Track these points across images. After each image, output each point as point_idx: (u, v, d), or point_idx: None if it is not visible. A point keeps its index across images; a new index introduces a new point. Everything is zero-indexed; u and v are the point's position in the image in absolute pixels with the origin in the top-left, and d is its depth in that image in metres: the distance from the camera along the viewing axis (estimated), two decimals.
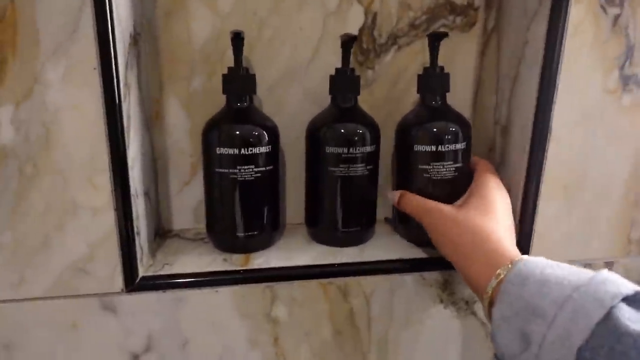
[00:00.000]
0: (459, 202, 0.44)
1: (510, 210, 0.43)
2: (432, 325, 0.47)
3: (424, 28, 0.50)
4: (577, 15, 0.40)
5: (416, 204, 0.45)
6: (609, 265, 0.49)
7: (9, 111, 0.34)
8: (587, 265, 0.48)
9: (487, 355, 0.49)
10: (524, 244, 0.46)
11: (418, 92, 0.48)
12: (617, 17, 0.41)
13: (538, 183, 0.44)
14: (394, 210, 0.51)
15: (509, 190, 0.45)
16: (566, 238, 0.47)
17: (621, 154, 0.45)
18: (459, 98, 0.52)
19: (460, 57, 0.51)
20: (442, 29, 0.50)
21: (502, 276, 0.34)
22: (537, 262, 0.33)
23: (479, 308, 0.47)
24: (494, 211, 0.41)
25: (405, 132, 0.47)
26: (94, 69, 0.35)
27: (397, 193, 0.47)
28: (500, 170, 0.49)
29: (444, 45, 0.47)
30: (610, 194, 0.46)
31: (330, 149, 0.44)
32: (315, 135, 0.45)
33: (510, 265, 0.34)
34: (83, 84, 0.35)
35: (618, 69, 0.42)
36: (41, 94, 0.35)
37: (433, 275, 0.45)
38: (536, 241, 0.45)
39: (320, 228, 0.48)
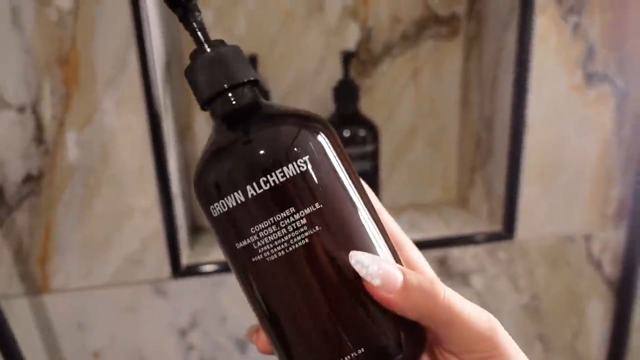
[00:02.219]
0: None
1: None
2: None
3: (413, 38, 0.57)
4: (541, 24, 0.47)
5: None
6: (588, 238, 0.56)
7: (74, 135, 0.43)
8: (569, 237, 0.55)
9: None
10: (510, 221, 0.53)
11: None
12: (576, 24, 0.47)
13: (518, 169, 0.51)
14: None
15: (494, 179, 0.53)
16: (548, 215, 0.54)
17: (590, 141, 0.52)
18: (449, 98, 0.60)
19: (447, 62, 0.58)
20: (429, 39, 0.57)
21: None
22: None
23: (474, 280, 0.54)
24: None
25: None
26: (140, 97, 0.43)
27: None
28: (487, 159, 0.56)
29: (434, 52, 0.54)
30: (583, 175, 0.53)
31: None
32: None
33: None
34: (132, 109, 0.43)
35: (581, 68, 0.49)
36: (99, 120, 0.43)
37: (431, 253, 0.52)
38: (521, 219, 0.52)
39: None
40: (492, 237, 0.54)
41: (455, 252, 0.53)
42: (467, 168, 0.60)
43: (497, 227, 0.55)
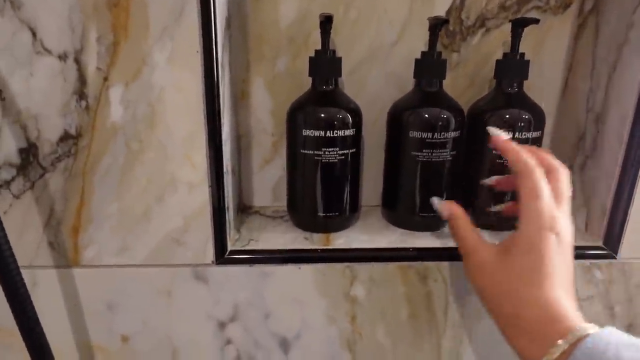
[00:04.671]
0: (507, 239, 0.35)
1: (571, 253, 0.34)
2: None
3: (514, 10, 0.48)
4: None
5: (460, 235, 0.38)
6: None
7: (119, 91, 0.37)
8: None
9: None
10: (613, 237, 0.44)
11: (494, 77, 0.46)
12: None
13: (635, 176, 0.42)
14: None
15: (598, 184, 0.44)
16: None
17: None
18: (547, 83, 0.50)
19: (551, 40, 0.49)
20: (534, 11, 0.48)
21: (556, 353, 0.27)
22: (609, 339, 0.26)
23: None
24: (546, 256, 0.32)
25: (478, 118, 0.46)
26: (197, 52, 0.36)
27: (446, 208, 0.41)
28: (590, 161, 0.47)
29: (534, 28, 0.45)
30: None
31: (413, 134, 0.44)
32: (398, 119, 0.45)
33: (571, 338, 0.28)
34: (186, 66, 0.37)
35: None
36: (148, 75, 0.37)
37: None
38: (628, 235, 0.43)
39: (398, 212, 0.48)
40: (589, 254, 0.45)
41: None
42: None
43: (596, 241, 0.46)
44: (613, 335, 0.27)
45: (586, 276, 0.45)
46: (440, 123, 0.44)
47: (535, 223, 0.33)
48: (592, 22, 0.46)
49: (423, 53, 0.45)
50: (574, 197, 0.46)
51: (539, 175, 0.34)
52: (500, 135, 0.39)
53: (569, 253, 0.34)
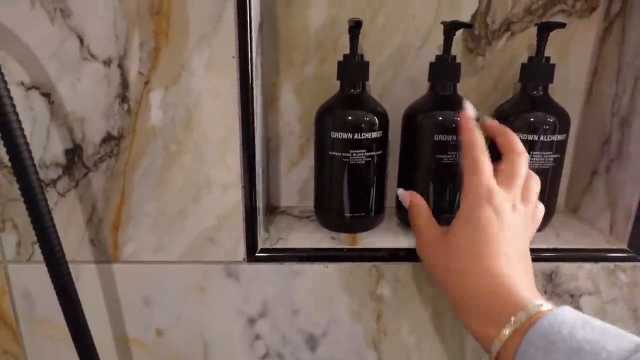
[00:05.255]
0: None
1: (519, 236, 0.34)
2: None
3: (540, 14, 0.48)
4: None
5: (413, 218, 0.42)
6: None
7: (159, 95, 0.39)
8: None
9: None
10: (639, 243, 0.44)
11: (520, 81, 0.47)
12: None
13: None
14: None
15: (623, 187, 0.44)
16: None
17: None
18: (572, 87, 0.51)
19: (576, 44, 0.49)
20: (559, 15, 0.48)
21: (508, 332, 0.26)
22: (564, 317, 0.26)
23: (585, 302, 0.46)
24: (485, 227, 0.32)
25: (503, 121, 0.46)
26: (233, 57, 0.38)
27: (407, 196, 0.44)
28: (616, 165, 0.47)
29: (559, 32, 0.45)
30: None
31: (426, 136, 0.45)
32: (412, 121, 0.46)
33: (524, 315, 0.26)
34: (222, 71, 0.38)
35: None
36: (187, 80, 0.38)
37: (539, 266, 0.45)
38: None
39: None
40: (613, 256, 0.45)
41: (566, 268, 0.45)
42: (586, 171, 0.52)
43: (621, 244, 0.46)
44: (567, 314, 0.26)
45: (610, 279, 0.46)
46: (453, 125, 0.44)
47: (471, 196, 0.34)
48: (619, 26, 0.47)
49: (437, 57, 0.46)
50: (595, 199, 0.46)
51: (480, 152, 0.36)
52: (467, 112, 0.39)
53: (513, 232, 0.33)
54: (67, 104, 0.38)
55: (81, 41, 0.37)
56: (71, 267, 0.41)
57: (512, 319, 0.27)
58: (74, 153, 0.39)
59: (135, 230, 0.42)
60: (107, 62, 0.37)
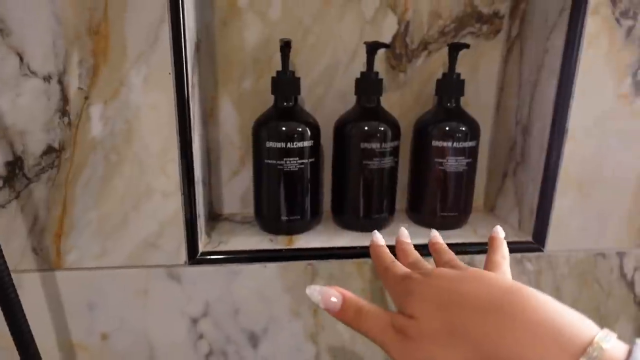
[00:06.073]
0: None
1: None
2: None
3: (452, 35, 0.55)
4: (593, 27, 0.44)
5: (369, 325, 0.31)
6: (622, 255, 0.53)
7: (99, 109, 0.41)
8: (601, 253, 0.52)
9: None
10: (541, 232, 0.51)
11: (436, 94, 0.53)
12: (630, 28, 0.45)
13: (555, 179, 0.48)
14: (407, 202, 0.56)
15: (527, 187, 0.50)
16: (580, 230, 0.51)
17: (633, 154, 0.49)
18: (483, 100, 0.57)
19: (485, 62, 0.56)
20: (468, 37, 0.55)
21: None
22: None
23: None
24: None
25: (422, 130, 0.52)
26: (169, 73, 0.41)
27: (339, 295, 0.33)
28: (521, 168, 0.53)
29: (470, 51, 0.52)
30: (623, 190, 0.50)
31: (355, 144, 0.50)
32: (341, 131, 0.51)
33: (597, 349, 0.22)
34: (159, 87, 0.41)
35: (631, 75, 0.46)
36: (125, 95, 0.41)
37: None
38: (553, 230, 0.50)
39: (345, 215, 0.53)
40: (520, 247, 0.51)
41: (480, 259, 0.51)
42: (498, 174, 0.58)
43: (527, 237, 0.52)
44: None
45: (519, 267, 0.52)
46: (378, 134, 0.49)
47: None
48: (518, 47, 0.54)
49: (362, 73, 0.51)
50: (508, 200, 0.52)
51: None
52: (377, 241, 0.39)
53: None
54: (7, 118, 0.40)
55: (21, 59, 0.39)
56: (14, 276, 0.42)
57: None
58: (14, 165, 0.41)
59: (78, 238, 0.44)
60: (47, 78, 0.40)
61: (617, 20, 0.44)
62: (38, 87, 0.40)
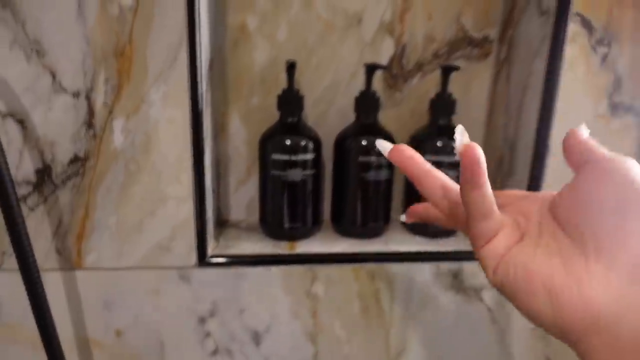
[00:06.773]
0: None
1: None
2: (445, 309, 0.55)
3: (445, 58, 0.59)
4: (571, 53, 0.48)
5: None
6: None
7: (121, 122, 0.45)
8: None
9: (492, 336, 0.57)
10: None
11: (429, 112, 0.57)
12: (605, 55, 0.49)
13: (538, 191, 0.52)
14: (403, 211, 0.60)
15: None
16: None
17: None
18: (474, 118, 0.61)
19: (476, 83, 0.60)
20: (460, 59, 0.59)
21: None
22: None
23: (486, 295, 0.55)
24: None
25: (417, 146, 0.56)
26: (185, 91, 0.45)
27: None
28: (508, 179, 0.57)
29: (462, 72, 0.56)
30: None
31: (355, 157, 0.54)
32: (341, 145, 0.55)
33: None
34: (176, 103, 0.45)
35: (607, 98, 0.50)
36: (145, 110, 0.45)
37: (446, 265, 0.54)
38: None
39: (344, 223, 0.57)
40: None
41: (469, 267, 0.55)
42: None
43: None
44: None
45: None
46: (375, 148, 0.53)
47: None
48: (506, 69, 0.58)
49: (361, 92, 0.55)
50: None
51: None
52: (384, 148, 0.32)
53: None
54: (39, 130, 0.44)
55: (54, 76, 0.43)
56: None
57: None
58: (43, 172, 0.45)
59: (98, 240, 0.48)
60: (76, 94, 0.44)
61: (593, 48, 0.48)
62: (68, 102, 0.44)
